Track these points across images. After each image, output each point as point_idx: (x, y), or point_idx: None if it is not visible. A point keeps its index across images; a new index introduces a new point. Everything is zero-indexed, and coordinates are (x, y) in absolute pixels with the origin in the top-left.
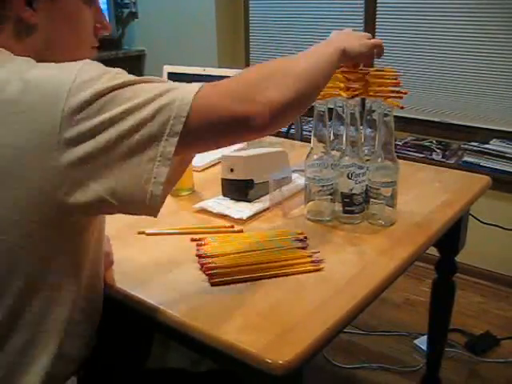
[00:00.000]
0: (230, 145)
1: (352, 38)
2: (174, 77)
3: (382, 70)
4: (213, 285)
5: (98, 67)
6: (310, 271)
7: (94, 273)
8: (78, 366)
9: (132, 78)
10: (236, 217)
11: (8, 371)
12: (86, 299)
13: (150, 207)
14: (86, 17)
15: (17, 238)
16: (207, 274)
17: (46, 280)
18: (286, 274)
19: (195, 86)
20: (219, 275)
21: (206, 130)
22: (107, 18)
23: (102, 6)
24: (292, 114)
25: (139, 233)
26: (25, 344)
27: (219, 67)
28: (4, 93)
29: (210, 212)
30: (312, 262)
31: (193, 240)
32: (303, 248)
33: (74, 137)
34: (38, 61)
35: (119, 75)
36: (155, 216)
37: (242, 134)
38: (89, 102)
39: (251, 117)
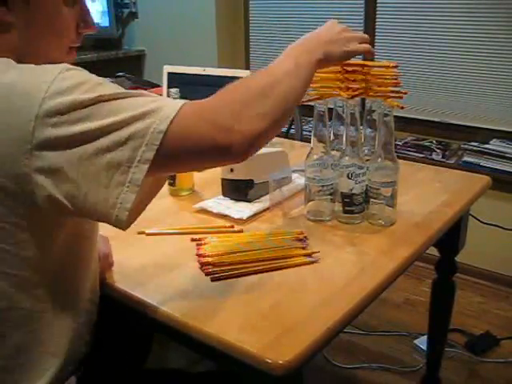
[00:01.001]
0: (203, 169)
1: (337, 41)
2: (174, 77)
3: (381, 65)
4: (212, 280)
5: (78, 75)
6: (305, 263)
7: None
8: (77, 365)
9: (112, 91)
10: (236, 217)
11: (7, 373)
12: (87, 299)
13: (116, 226)
14: (66, 16)
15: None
16: (207, 274)
17: (33, 282)
18: (281, 267)
19: (174, 109)
20: (218, 272)
21: (179, 155)
22: (92, 17)
23: (98, 7)
24: (269, 139)
25: (139, 233)
26: (22, 344)
27: (219, 67)
28: None
29: (210, 212)
30: (306, 255)
31: (193, 240)
32: (303, 248)
33: (45, 142)
34: (17, 60)
35: (99, 87)
36: (124, 230)
37: (216, 161)
38: (63, 112)
39: (228, 146)
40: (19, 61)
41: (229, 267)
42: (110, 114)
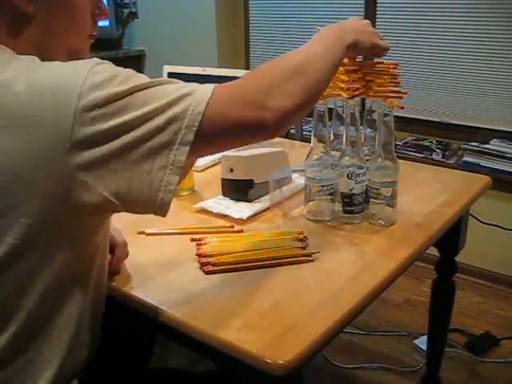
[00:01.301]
0: (239, 147)
1: (365, 32)
2: (173, 77)
3: (382, 63)
4: (207, 273)
5: (109, 69)
6: (302, 262)
7: (100, 270)
8: (82, 366)
9: (144, 80)
10: (236, 217)
11: (16, 375)
12: (92, 298)
13: (158, 212)
14: (83, 5)
15: (31, 241)
16: (207, 273)
17: (60, 281)
18: (280, 264)
19: (207, 91)
20: (218, 272)
21: (217, 136)
22: (105, 4)
23: None
24: (300, 116)
25: (139, 233)
26: (34, 345)
27: (219, 67)
28: (11, 95)
29: (210, 212)
30: (305, 255)
31: (193, 240)
32: (303, 248)
33: (85, 139)
34: (38, 52)
35: (131, 78)
36: (163, 216)
37: (252, 138)
38: (101, 105)
39: (263, 123)
40: (41, 53)
41: (229, 266)
42: (146, 103)
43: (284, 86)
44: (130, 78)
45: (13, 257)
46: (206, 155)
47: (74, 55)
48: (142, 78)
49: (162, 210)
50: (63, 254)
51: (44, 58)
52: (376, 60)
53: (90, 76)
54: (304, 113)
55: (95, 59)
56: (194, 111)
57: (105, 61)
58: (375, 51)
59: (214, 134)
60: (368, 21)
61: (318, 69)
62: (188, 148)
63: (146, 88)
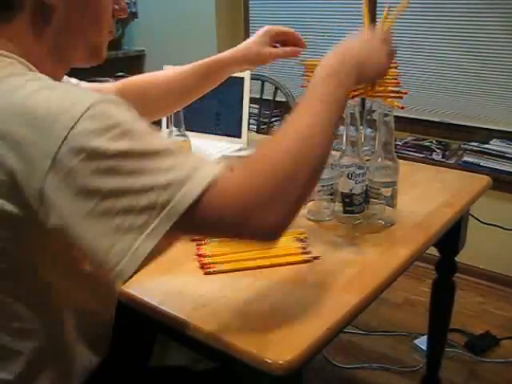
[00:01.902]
0: None
1: (370, 64)
2: None
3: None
4: (206, 274)
5: (108, 114)
6: (302, 261)
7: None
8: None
9: (141, 145)
10: None
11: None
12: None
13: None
14: (104, 0)
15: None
16: (206, 273)
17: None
18: (280, 264)
19: (200, 184)
20: (218, 272)
21: (197, 232)
22: (124, 1)
23: None
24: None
25: None
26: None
27: None
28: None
29: None
30: (305, 253)
31: (193, 240)
32: (303, 248)
33: (55, 190)
34: (56, 48)
35: (128, 135)
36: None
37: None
38: (83, 159)
39: (253, 237)
40: (59, 48)
41: (229, 267)
42: (133, 175)
43: (281, 199)
44: (127, 133)
45: None
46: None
47: (93, 52)
48: (140, 138)
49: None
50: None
51: (62, 53)
52: None
53: (83, 120)
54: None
55: (98, 95)
56: (174, 207)
57: (109, 98)
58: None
59: (196, 229)
60: (385, 36)
61: (318, 155)
62: (153, 244)
63: (139, 156)
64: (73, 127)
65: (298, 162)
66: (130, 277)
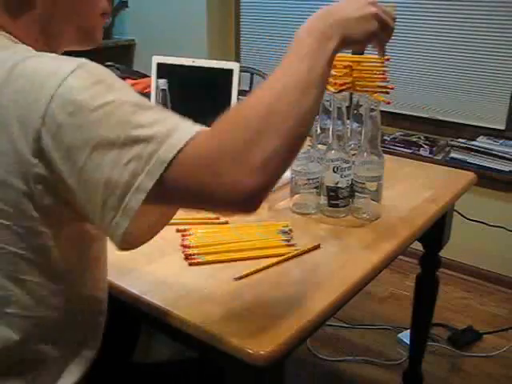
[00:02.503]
0: (207, 212)
1: (360, 19)
2: (163, 67)
3: (370, 59)
4: (191, 265)
5: (92, 73)
6: (285, 253)
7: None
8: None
9: (125, 98)
10: None
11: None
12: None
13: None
14: None
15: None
16: (191, 264)
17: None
18: (264, 256)
19: (180, 139)
20: (202, 263)
21: (179, 194)
22: None
23: None
24: (276, 182)
25: None
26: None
27: (209, 58)
28: None
29: None
30: (288, 245)
31: (178, 231)
32: (288, 240)
33: (48, 147)
34: (43, 32)
35: (113, 91)
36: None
37: (218, 211)
38: (71, 113)
39: (230, 202)
40: (47, 32)
41: (213, 258)
42: (117, 128)
43: (257, 153)
44: (111, 89)
45: None
46: (170, 208)
47: (84, 35)
48: (123, 94)
49: (115, 244)
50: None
51: (51, 38)
52: (367, 56)
53: (70, 78)
54: (281, 176)
55: (83, 59)
56: (159, 159)
57: (92, 63)
58: (375, 39)
59: (176, 191)
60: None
61: (300, 110)
62: (143, 196)
63: (124, 109)
64: (60, 85)
65: (273, 114)
66: (132, 243)
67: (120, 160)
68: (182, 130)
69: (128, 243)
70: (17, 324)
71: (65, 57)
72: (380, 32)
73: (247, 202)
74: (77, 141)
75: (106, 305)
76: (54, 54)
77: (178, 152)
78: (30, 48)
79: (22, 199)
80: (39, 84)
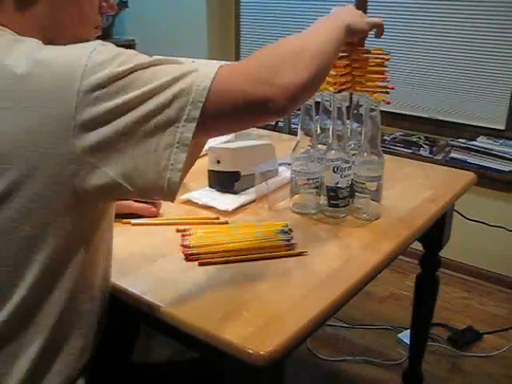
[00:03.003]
0: (248, 127)
1: (354, 14)
2: None
3: (369, 52)
4: (188, 260)
5: (111, 49)
6: (287, 255)
7: (108, 261)
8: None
9: (147, 59)
10: (221, 208)
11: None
12: (100, 287)
13: (167, 193)
14: None
15: (35, 226)
16: (189, 261)
17: (65, 270)
18: (265, 258)
19: (213, 68)
20: (204, 263)
21: (223, 113)
22: None
23: None
24: (308, 95)
25: (124, 222)
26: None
27: (209, 57)
28: (14, 79)
29: (196, 203)
30: (288, 245)
31: (178, 231)
32: (287, 240)
33: (90, 120)
34: (42, 38)
35: (134, 57)
36: (172, 201)
37: (260, 117)
38: (104, 85)
39: (270, 100)
40: (46, 38)
41: (213, 255)
42: (150, 81)
43: (290, 64)
44: (132, 57)
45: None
46: (215, 135)
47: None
48: (145, 58)
49: (170, 191)
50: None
51: (49, 43)
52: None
53: (94, 55)
54: (310, 93)
55: (98, 41)
56: (199, 86)
57: (108, 43)
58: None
59: (221, 110)
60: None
61: (321, 47)
62: (194, 125)
63: (148, 67)
64: (86, 64)
65: (303, 47)
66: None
67: (163, 103)
68: (211, 63)
69: (180, 184)
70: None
71: (76, 45)
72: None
73: (290, 99)
74: (116, 106)
75: (103, 297)
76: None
77: (214, 76)
78: (38, 41)
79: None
80: (66, 68)
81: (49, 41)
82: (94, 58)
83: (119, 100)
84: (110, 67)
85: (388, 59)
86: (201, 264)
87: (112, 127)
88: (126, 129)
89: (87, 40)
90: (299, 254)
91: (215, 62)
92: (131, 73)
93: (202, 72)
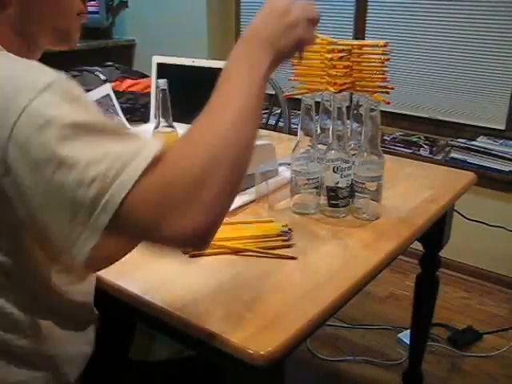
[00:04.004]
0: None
1: (279, 34)
2: (163, 67)
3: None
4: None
5: (68, 91)
6: (282, 247)
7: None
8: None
9: (93, 120)
10: None
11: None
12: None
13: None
14: None
15: None
16: (191, 256)
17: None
18: (265, 256)
19: (133, 176)
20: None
21: (132, 230)
22: None
23: None
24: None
25: None
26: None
27: (210, 58)
28: None
29: None
30: (287, 246)
31: None
32: (287, 240)
33: (13, 161)
34: (20, 40)
35: (86, 107)
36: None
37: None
38: (40, 127)
39: (177, 240)
40: (23, 35)
41: (213, 255)
42: (86, 146)
43: (204, 192)
44: (83, 110)
45: None
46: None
47: (61, 36)
48: (95, 117)
49: (75, 259)
50: None
51: (27, 38)
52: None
53: (45, 92)
54: (227, 212)
55: (61, 74)
56: (112, 199)
57: (70, 80)
58: (306, 41)
59: (129, 227)
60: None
61: (239, 147)
62: (101, 229)
63: (90, 131)
64: (33, 99)
65: (215, 158)
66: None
67: (84, 179)
68: (136, 165)
69: (89, 264)
70: None
71: (41, 67)
72: (307, 31)
73: (198, 238)
74: (44, 155)
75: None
76: (34, 62)
77: (130, 191)
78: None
79: None
80: (13, 93)
81: (29, 41)
82: (44, 95)
83: (47, 152)
84: (56, 110)
85: (388, 59)
86: (192, 256)
87: (31, 179)
88: (44, 184)
89: (70, 30)
90: (292, 258)
91: (142, 165)
92: (73, 127)
93: (120, 180)
